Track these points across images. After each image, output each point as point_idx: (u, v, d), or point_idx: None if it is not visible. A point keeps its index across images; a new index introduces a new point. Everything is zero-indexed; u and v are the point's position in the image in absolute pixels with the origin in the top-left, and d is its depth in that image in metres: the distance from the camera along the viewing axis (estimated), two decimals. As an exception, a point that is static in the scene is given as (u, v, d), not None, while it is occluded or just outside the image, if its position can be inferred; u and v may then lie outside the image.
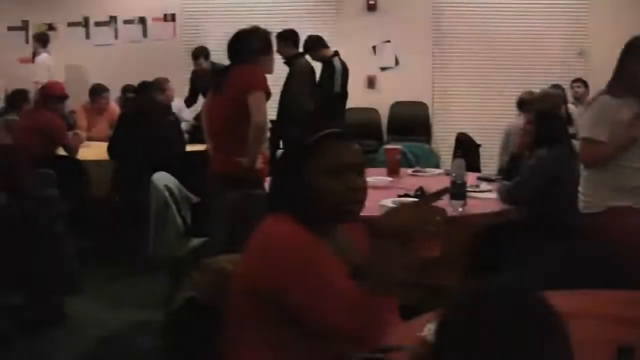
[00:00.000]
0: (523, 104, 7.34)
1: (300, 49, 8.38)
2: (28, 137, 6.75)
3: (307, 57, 8.39)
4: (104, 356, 4.95)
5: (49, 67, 10.58)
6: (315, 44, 8.48)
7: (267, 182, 4.91)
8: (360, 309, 2.12)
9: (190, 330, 2.55)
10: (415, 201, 2.59)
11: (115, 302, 5.80)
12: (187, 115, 8.23)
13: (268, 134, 7.06)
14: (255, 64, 5.00)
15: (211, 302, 2.48)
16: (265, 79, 5.00)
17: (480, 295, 1.43)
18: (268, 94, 4.99)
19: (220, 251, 2.93)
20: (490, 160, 8.09)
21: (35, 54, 10.93)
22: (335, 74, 8.27)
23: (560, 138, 4.89)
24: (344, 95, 8.46)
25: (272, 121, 7.96)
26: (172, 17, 11.32)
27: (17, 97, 7.85)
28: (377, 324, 2.14)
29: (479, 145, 7.89)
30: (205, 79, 8.82)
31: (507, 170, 5.40)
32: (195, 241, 4.79)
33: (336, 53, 8.46)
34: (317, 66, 8.48)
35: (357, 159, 2.37)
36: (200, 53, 9.72)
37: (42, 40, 10.84)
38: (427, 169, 6.10)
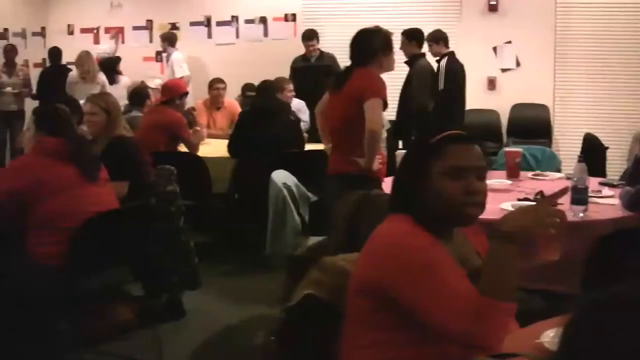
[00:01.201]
0: None
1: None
2: (150, 133, 6.91)
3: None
4: (221, 350, 5.02)
5: (181, 64, 10.82)
6: (435, 38, 8.40)
7: (385, 182, 4.91)
8: (478, 314, 2.09)
9: (306, 327, 2.56)
10: (534, 204, 2.55)
11: (232, 297, 5.88)
12: (305, 116, 8.26)
13: (385, 135, 7.05)
14: (375, 63, 4.98)
15: (328, 300, 2.49)
16: (384, 86, 4.97)
17: (610, 304, 1.38)
18: (385, 103, 4.96)
19: (338, 250, 2.94)
20: (620, 164, 7.87)
21: (163, 53, 11.16)
22: (439, 74, 8.19)
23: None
24: (454, 96, 8.31)
25: (392, 121, 7.95)
26: (293, 17, 11.40)
27: (139, 95, 8.04)
28: (495, 329, 2.11)
29: (606, 148, 7.65)
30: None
31: (631, 175, 5.23)
32: (313, 239, 4.81)
33: (448, 53, 8.35)
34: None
35: (477, 162, 2.33)
36: (314, 35, 9.80)
37: (170, 39, 11.07)
38: (547, 173, 5.96)
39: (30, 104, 10.96)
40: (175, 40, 11.10)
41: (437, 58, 8.39)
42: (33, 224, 4.15)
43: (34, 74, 11.66)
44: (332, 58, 9.75)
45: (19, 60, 11.32)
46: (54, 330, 4.48)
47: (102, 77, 10.41)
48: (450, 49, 8.52)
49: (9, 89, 10.52)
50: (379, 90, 4.89)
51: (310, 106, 8.51)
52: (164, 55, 11.37)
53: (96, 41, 12.39)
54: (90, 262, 4.12)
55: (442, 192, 2.27)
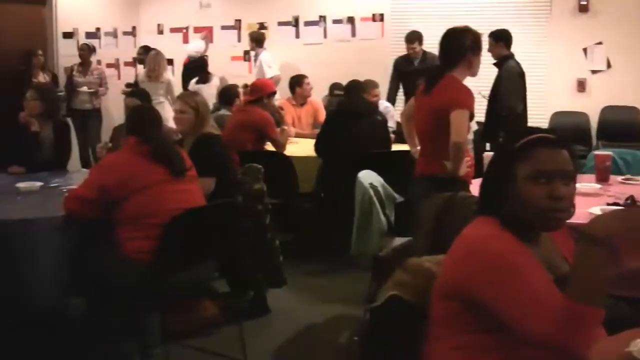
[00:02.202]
0: None
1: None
2: (238, 132, 6.98)
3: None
4: (304, 349, 5.04)
5: (270, 64, 10.91)
6: (496, 37, 8.25)
7: (473, 185, 4.87)
8: (565, 320, 2.06)
9: (391, 329, 2.56)
10: (624, 208, 2.50)
11: (317, 296, 5.91)
12: (391, 122, 8.22)
13: (472, 136, 6.99)
14: (465, 63, 4.95)
15: (413, 302, 2.49)
16: (471, 97, 4.91)
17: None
18: (472, 115, 4.91)
19: (424, 252, 2.93)
20: None
21: (251, 52, 11.25)
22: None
23: None
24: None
25: (480, 122, 7.88)
26: (381, 17, 11.38)
27: (229, 94, 8.13)
28: (583, 335, 2.08)
29: None
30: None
31: None
32: (399, 240, 4.78)
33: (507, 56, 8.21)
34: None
35: (563, 167, 2.30)
36: (416, 37, 9.78)
37: (258, 39, 11.16)
38: (638, 177, 5.84)
39: (106, 103, 11.18)
40: (263, 40, 11.19)
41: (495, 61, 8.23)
42: (123, 219, 4.24)
43: (125, 73, 11.89)
44: (434, 59, 9.66)
45: (110, 59, 11.55)
46: (143, 324, 4.58)
47: (166, 76, 10.55)
48: (511, 52, 8.30)
49: (84, 88, 10.69)
50: (466, 102, 4.84)
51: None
52: (252, 54, 11.44)
53: (185, 41, 12.57)
54: (178, 258, 4.18)
55: (526, 196, 2.25)
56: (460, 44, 4.95)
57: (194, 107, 5.25)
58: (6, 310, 4.47)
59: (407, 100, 8.83)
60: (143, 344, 4.54)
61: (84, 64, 10.89)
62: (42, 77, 10.32)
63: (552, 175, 2.26)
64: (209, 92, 10.38)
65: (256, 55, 11.12)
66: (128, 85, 11.04)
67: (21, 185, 5.21)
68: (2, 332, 4.81)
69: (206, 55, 11.48)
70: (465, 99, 4.84)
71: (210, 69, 11.16)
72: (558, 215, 2.27)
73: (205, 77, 10.84)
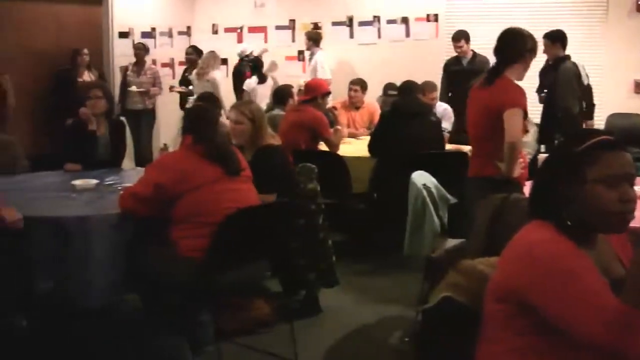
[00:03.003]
0: None
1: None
2: (292, 131, 7.00)
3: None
4: (355, 349, 5.03)
5: (323, 65, 10.93)
6: (552, 38, 8.16)
7: (526, 187, 4.83)
8: (619, 324, 2.04)
9: (443, 330, 2.55)
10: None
11: (369, 296, 5.90)
12: (448, 123, 8.17)
13: (529, 138, 6.93)
14: (522, 63, 4.92)
15: (466, 304, 2.47)
16: (524, 96, 4.88)
17: None
18: (525, 113, 4.88)
19: (477, 254, 2.91)
20: None
21: (307, 51, 11.26)
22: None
23: None
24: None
25: (535, 124, 7.81)
26: (435, 18, 11.32)
27: (283, 93, 8.15)
28: (636, 341, 2.05)
29: None
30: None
31: None
32: (452, 242, 4.76)
33: (564, 57, 8.11)
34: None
35: (630, 170, 2.28)
36: (462, 35, 9.73)
37: (315, 39, 11.16)
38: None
39: (161, 103, 11.26)
40: (320, 40, 11.19)
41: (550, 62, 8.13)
42: (177, 218, 4.27)
43: (179, 72, 11.97)
44: (485, 61, 9.59)
45: (165, 59, 11.64)
46: (195, 322, 4.61)
47: (213, 75, 10.61)
48: (567, 53, 8.20)
49: (133, 87, 10.76)
50: (519, 100, 4.81)
51: (463, 110, 8.45)
52: (307, 54, 11.45)
53: (240, 40, 12.62)
54: (231, 256, 4.20)
55: (598, 199, 2.23)
56: (521, 45, 4.94)
57: (250, 117, 5.16)
58: (61, 306, 4.52)
59: (454, 100, 8.74)
60: (195, 341, 4.57)
61: (139, 63, 10.98)
62: (87, 76, 10.39)
63: (622, 178, 2.25)
64: (264, 93, 10.46)
65: (311, 55, 11.14)
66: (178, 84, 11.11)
67: (77, 182, 5.27)
68: (57, 327, 4.89)
69: (258, 57, 11.52)
70: (518, 97, 4.82)
71: (264, 69, 11.21)
72: (627, 217, 2.27)
73: (262, 77, 10.91)
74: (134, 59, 11.04)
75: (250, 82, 10.87)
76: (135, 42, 11.50)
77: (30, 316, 4.87)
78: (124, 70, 11.07)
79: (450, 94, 9.48)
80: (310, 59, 11.15)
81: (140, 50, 10.94)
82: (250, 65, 11.19)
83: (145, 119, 10.82)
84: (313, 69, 10.84)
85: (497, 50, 5.01)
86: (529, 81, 5.10)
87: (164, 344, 4.39)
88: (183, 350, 4.41)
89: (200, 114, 4.85)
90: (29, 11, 10.66)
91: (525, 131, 5.27)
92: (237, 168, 4.53)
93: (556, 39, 8.03)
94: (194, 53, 11.30)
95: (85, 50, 10.39)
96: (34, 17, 10.74)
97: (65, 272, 4.31)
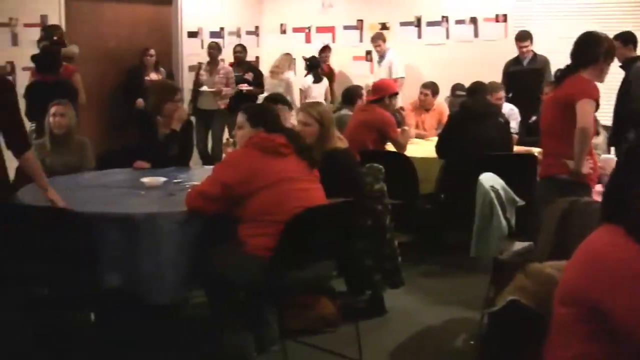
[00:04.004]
0: None
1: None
2: (359, 131, 7.00)
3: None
4: (419, 350, 5.02)
5: (391, 64, 10.93)
6: (625, 39, 8.00)
7: (596, 189, 4.77)
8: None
9: (509, 334, 2.53)
10: None
11: (434, 298, 5.88)
12: (514, 123, 8.09)
13: (600, 140, 6.84)
14: (596, 68, 4.90)
15: (533, 308, 2.45)
16: (596, 89, 4.88)
17: None
18: (597, 104, 4.86)
19: (546, 257, 2.89)
20: None
21: (377, 48, 11.22)
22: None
23: None
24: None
25: (606, 127, 7.69)
26: (504, 18, 11.23)
27: (352, 94, 8.16)
28: None
29: None
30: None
31: None
32: (519, 244, 4.72)
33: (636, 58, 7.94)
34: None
35: None
36: (528, 36, 9.64)
37: (383, 40, 11.15)
38: None
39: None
40: (385, 40, 11.21)
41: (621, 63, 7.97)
42: (246, 216, 4.29)
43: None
44: (544, 62, 9.50)
45: (233, 58, 11.70)
46: (261, 320, 4.64)
47: (286, 75, 10.65)
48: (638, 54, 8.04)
49: (205, 87, 10.81)
50: (591, 92, 4.83)
51: (522, 110, 8.37)
52: (375, 55, 11.41)
53: (307, 40, 12.70)
54: (298, 255, 4.21)
55: None
56: (595, 49, 4.94)
57: (318, 119, 5.17)
58: (129, 302, 4.59)
59: (514, 101, 8.64)
60: (261, 340, 4.59)
61: (212, 62, 10.99)
62: (154, 76, 10.48)
63: None
64: (320, 92, 10.52)
65: (381, 55, 11.09)
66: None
67: (146, 180, 5.34)
68: (124, 323, 4.96)
69: (314, 56, 11.56)
70: (592, 90, 4.85)
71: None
72: None
73: (319, 77, 10.98)
74: (202, 59, 11.12)
75: (306, 81, 10.91)
76: (205, 42, 11.58)
77: (98, 311, 4.96)
78: (197, 69, 11.14)
79: (510, 95, 9.40)
80: (380, 60, 11.12)
81: (214, 50, 10.96)
82: (307, 64, 11.25)
83: (217, 119, 10.85)
84: (387, 70, 10.81)
85: (572, 54, 5.01)
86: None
87: (230, 341, 4.42)
88: (248, 349, 4.44)
89: (265, 107, 4.88)
90: (103, 10, 10.84)
91: (596, 133, 5.21)
92: (315, 160, 4.56)
93: (628, 40, 7.91)
94: (242, 52, 11.35)
95: (152, 51, 10.48)
96: (108, 16, 10.92)
97: (134, 268, 4.36)
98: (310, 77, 10.96)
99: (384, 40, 11.24)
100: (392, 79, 10.12)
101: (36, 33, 9.07)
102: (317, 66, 11.25)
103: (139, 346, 4.75)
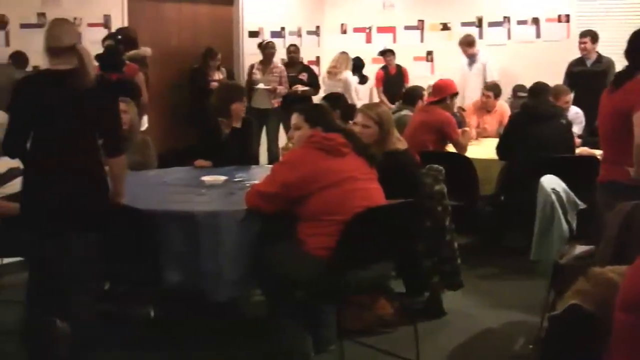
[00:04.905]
0: None
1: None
2: (420, 132, 6.99)
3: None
4: (477, 353, 5.00)
5: (485, 67, 10.85)
6: None
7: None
8: None
9: (569, 339, 2.51)
10: None
11: (493, 301, 5.84)
12: (578, 128, 7.98)
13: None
14: None
15: (594, 312, 2.43)
16: None
17: None
18: None
19: (607, 261, 2.86)
20: None
21: (468, 49, 11.08)
22: None
23: None
24: None
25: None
26: (567, 18, 11.12)
27: (413, 94, 8.14)
28: None
29: None
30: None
31: None
32: (580, 248, 4.68)
33: None
34: None
35: None
36: (589, 33, 9.53)
37: (473, 42, 11.07)
38: None
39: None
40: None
41: None
42: (306, 215, 4.30)
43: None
44: (609, 63, 9.36)
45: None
46: (319, 319, 4.66)
47: (344, 75, 10.64)
48: None
49: (261, 85, 10.87)
50: None
51: (585, 112, 8.25)
52: (464, 59, 11.11)
53: (368, 40, 12.70)
54: (357, 255, 4.22)
55: None
56: None
57: (377, 120, 5.17)
58: (190, 299, 4.64)
59: (577, 102, 8.53)
60: (319, 339, 4.61)
61: (265, 62, 11.04)
62: (218, 75, 10.53)
63: None
64: (365, 93, 10.53)
65: (472, 58, 11.01)
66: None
67: (206, 178, 5.39)
68: (184, 319, 5.02)
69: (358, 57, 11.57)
70: None
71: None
72: None
73: (363, 77, 11.00)
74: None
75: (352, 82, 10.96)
76: (265, 41, 11.65)
77: (158, 307, 5.02)
78: (250, 68, 11.20)
79: (574, 94, 9.30)
80: (471, 63, 10.96)
81: (270, 49, 11.03)
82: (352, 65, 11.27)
83: (272, 118, 10.89)
84: (482, 73, 10.68)
85: (627, 53, 4.85)
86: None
87: (288, 341, 4.44)
88: (306, 348, 4.45)
89: (321, 107, 4.89)
90: (165, 10, 10.96)
91: None
92: (375, 158, 4.57)
93: None
94: (296, 52, 11.37)
95: (219, 56, 10.56)
96: (170, 15, 11.03)
97: (194, 266, 4.41)
98: (356, 78, 10.97)
99: (474, 43, 11.07)
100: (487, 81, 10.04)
101: (99, 33, 9.20)
102: (362, 67, 11.24)
103: (197, 343, 4.79)
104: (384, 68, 11.85)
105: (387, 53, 11.82)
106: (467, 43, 10.94)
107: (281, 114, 10.58)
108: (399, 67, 11.81)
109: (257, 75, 10.93)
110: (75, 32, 4.28)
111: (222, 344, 4.91)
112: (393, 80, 11.64)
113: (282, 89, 10.90)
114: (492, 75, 10.53)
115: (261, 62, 11.01)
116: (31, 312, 4.20)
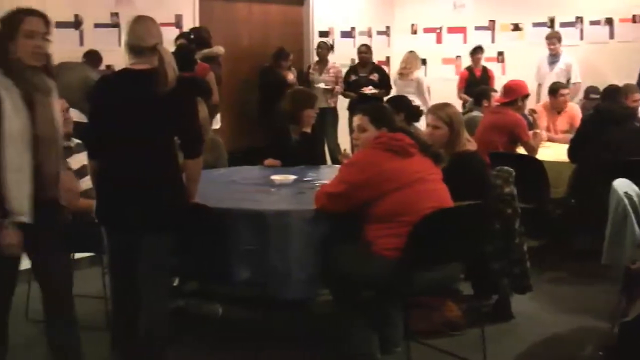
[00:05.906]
0: None
1: None
2: (490, 133, 6.94)
3: None
4: (545, 358, 4.96)
5: (570, 68, 10.72)
6: None
7: None
8: None
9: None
10: None
11: (562, 305, 5.77)
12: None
13: None
14: None
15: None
16: None
17: None
18: None
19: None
20: None
21: (550, 47, 10.94)
22: None
23: None
24: None
25: None
26: (642, 18, 10.98)
27: (482, 94, 8.09)
28: None
29: None
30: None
31: None
32: (653, 254, 4.60)
33: None
34: None
35: None
36: None
37: (558, 39, 10.92)
38: None
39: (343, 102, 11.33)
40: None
41: None
42: (375, 216, 4.30)
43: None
44: None
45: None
46: (386, 320, 4.66)
47: (416, 75, 10.63)
48: None
49: (322, 84, 10.86)
50: None
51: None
52: (547, 57, 11.01)
53: (439, 41, 12.67)
54: (426, 257, 4.20)
55: None
56: None
57: (448, 121, 5.12)
58: (259, 297, 4.67)
59: None
60: (385, 340, 4.61)
61: (321, 61, 11.16)
62: (289, 76, 10.57)
63: None
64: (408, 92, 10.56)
65: (555, 56, 10.89)
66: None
67: (276, 177, 5.43)
68: (251, 317, 5.06)
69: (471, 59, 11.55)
70: None
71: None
72: None
73: None
74: (334, 58, 11.23)
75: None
76: (336, 41, 11.69)
77: (226, 305, 5.07)
78: (307, 68, 11.26)
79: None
80: (553, 61, 10.84)
81: (322, 49, 11.12)
82: None
83: (329, 118, 10.93)
84: (561, 72, 10.56)
85: None
86: None
87: (355, 341, 4.45)
88: (372, 348, 4.46)
89: (384, 107, 4.90)
90: (236, 9, 11.07)
91: None
92: (441, 158, 4.56)
93: None
94: (367, 52, 11.36)
95: (291, 56, 10.62)
96: (241, 15, 11.14)
97: (263, 264, 4.44)
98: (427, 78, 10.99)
99: (560, 40, 10.91)
100: (572, 83, 9.96)
101: (171, 33, 9.31)
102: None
103: (264, 341, 4.82)
104: (469, 69, 11.69)
105: (477, 50, 11.59)
106: (558, 38, 10.79)
107: (337, 113, 10.81)
108: (484, 68, 11.63)
109: (315, 75, 11.04)
110: (159, 31, 4.20)
111: (289, 342, 4.94)
112: (478, 83, 11.07)
113: (339, 89, 11.05)
114: (576, 77, 10.39)
115: (317, 62, 11.10)
116: (116, 312, 4.25)
